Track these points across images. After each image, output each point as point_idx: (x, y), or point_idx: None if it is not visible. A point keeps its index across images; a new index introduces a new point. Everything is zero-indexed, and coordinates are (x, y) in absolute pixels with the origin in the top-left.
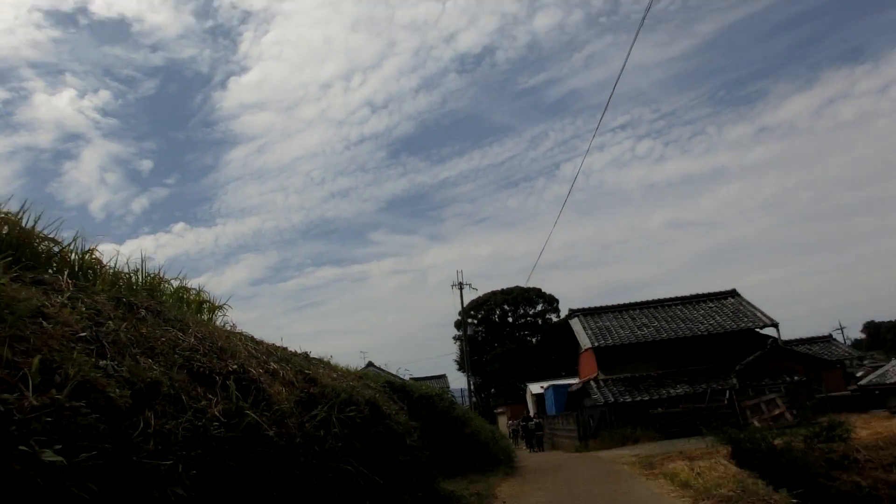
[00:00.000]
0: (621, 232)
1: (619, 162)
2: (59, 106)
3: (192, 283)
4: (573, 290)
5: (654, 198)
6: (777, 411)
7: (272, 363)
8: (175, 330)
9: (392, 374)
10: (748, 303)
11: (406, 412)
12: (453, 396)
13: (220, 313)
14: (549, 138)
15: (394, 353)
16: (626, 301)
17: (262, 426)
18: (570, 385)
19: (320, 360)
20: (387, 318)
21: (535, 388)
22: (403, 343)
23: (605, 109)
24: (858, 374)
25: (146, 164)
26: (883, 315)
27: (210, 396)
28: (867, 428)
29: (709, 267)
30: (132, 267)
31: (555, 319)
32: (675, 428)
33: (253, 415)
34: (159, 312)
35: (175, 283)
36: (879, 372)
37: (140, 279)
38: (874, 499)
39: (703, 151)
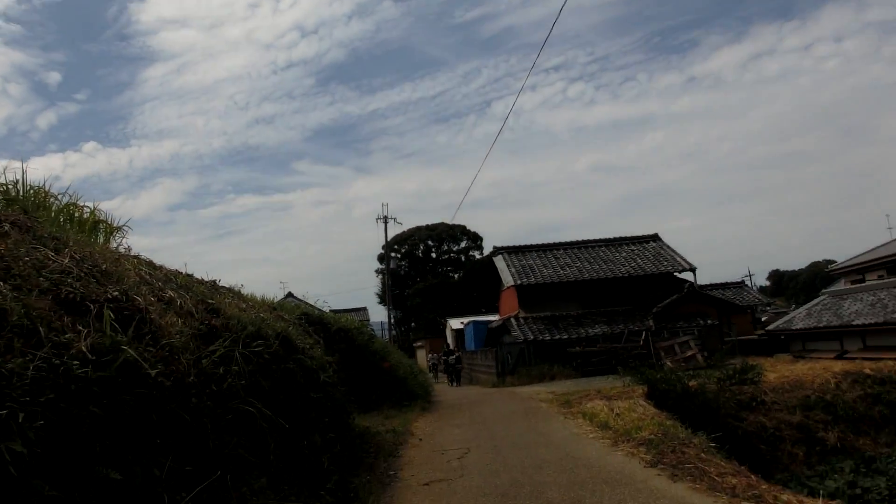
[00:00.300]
0: (548, 173)
1: (550, 103)
2: None
3: (104, 205)
4: (498, 228)
5: (583, 141)
6: (689, 353)
7: (169, 291)
8: (47, 249)
9: (311, 306)
10: (669, 247)
11: (322, 346)
12: (373, 330)
13: (119, 236)
14: (482, 75)
15: (316, 285)
16: (551, 241)
17: (141, 364)
18: (490, 322)
19: (229, 290)
20: (310, 249)
21: (455, 323)
22: (326, 275)
23: (540, 52)
24: (764, 320)
25: (54, 77)
26: (787, 265)
27: (80, 328)
28: (774, 371)
29: (631, 212)
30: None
31: (478, 257)
32: (592, 367)
33: (131, 351)
34: (29, 229)
35: (64, 200)
36: (786, 318)
37: (21, 192)
38: (778, 439)
39: (633, 98)
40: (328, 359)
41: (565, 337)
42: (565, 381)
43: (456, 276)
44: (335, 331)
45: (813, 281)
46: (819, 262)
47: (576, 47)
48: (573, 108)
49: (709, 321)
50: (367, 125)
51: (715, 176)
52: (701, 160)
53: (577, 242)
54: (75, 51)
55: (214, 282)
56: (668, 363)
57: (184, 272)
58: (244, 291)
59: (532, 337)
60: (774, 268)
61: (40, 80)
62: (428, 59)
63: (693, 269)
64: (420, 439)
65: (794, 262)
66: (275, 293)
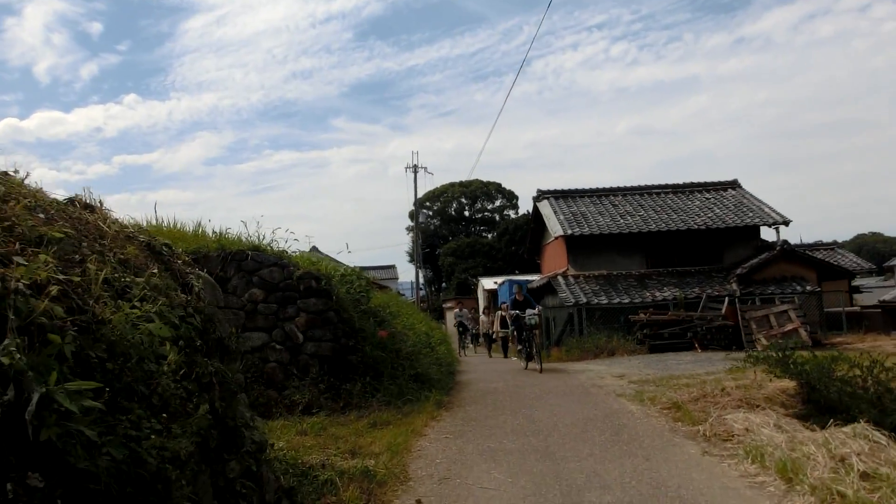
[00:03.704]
0: (587, 135)
1: (591, 63)
2: None
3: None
4: (533, 190)
5: (624, 103)
6: (790, 326)
7: None
8: None
9: (335, 260)
10: (752, 196)
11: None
12: (401, 292)
13: None
14: (523, 32)
15: (349, 242)
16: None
17: None
18: (530, 281)
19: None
20: (344, 207)
21: (488, 283)
22: (359, 233)
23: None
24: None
25: (96, 27)
26: (829, 237)
27: None
28: None
29: (669, 178)
30: None
31: (513, 216)
32: (661, 341)
33: None
34: None
35: None
36: None
37: None
38: None
39: (678, 59)
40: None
41: (626, 301)
42: (630, 360)
43: (490, 235)
44: (300, 276)
45: (858, 254)
46: (865, 234)
47: (620, 5)
48: (615, 69)
49: (808, 287)
50: (405, 82)
51: (758, 143)
52: (744, 126)
53: (639, 188)
54: (116, 0)
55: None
56: (762, 338)
57: None
58: None
59: (584, 300)
60: (817, 240)
61: (82, 29)
62: (468, 14)
63: (786, 222)
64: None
65: (837, 234)
66: (304, 248)
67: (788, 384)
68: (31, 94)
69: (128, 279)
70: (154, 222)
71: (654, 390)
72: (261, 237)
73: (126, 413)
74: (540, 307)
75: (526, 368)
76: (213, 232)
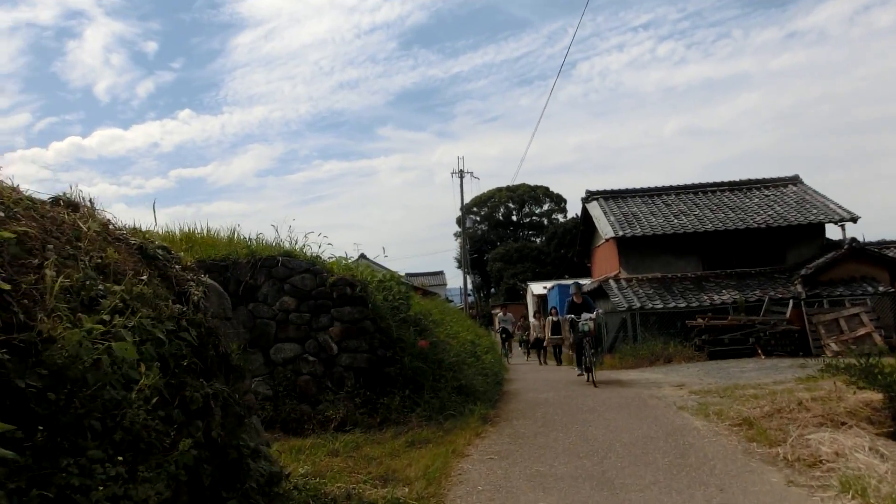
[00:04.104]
0: (634, 137)
1: (637, 63)
2: None
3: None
4: (581, 194)
5: (671, 103)
6: (862, 331)
7: None
8: None
9: (382, 267)
10: (816, 192)
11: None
12: (449, 298)
13: None
14: (568, 35)
15: (397, 250)
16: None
17: None
18: (581, 285)
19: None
20: (392, 214)
21: (538, 287)
22: (407, 240)
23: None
24: None
25: (151, 46)
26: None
27: None
28: None
29: (721, 178)
30: None
31: (562, 220)
32: (722, 346)
33: None
34: None
35: None
36: None
37: None
38: None
39: (727, 56)
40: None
41: (682, 305)
42: (688, 367)
43: (538, 240)
44: (333, 283)
45: None
46: None
47: (666, 3)
48: (662, 68)
49: (880, 288)
50: (450, 89)
51: (811, 139)
52: (797, 123)
53: (693, 186)
54: (170, 19)
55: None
56: (832, 344)
57: None
58: None
59: (638, 304)
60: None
61: (139, 49)
62: (512, 19)
63: (854, 219)
64: None
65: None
66: (352, 254)
67: (873, 396)
68: (92, 113)
69: (101, 287)
70: (201, 230)
71: (718, 402)
72: (293, 242)
73: (76, 454)
74: (599, 310)
75: (585, 379)
76: (244, 237)
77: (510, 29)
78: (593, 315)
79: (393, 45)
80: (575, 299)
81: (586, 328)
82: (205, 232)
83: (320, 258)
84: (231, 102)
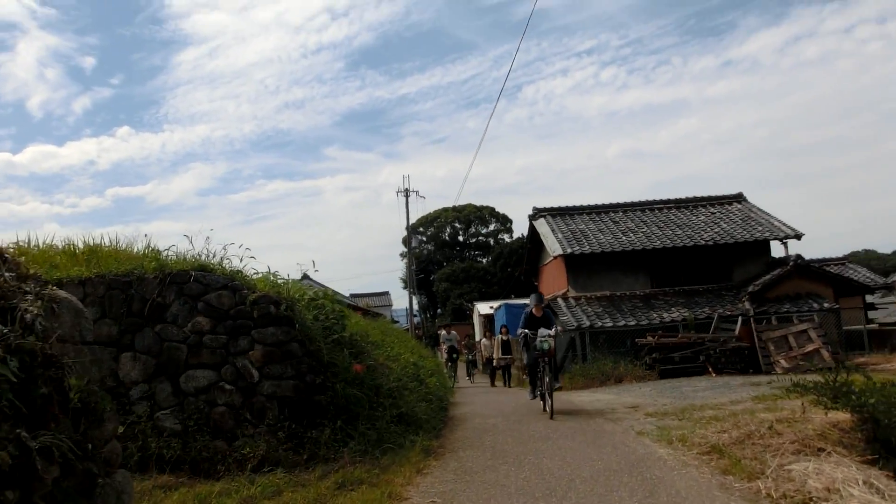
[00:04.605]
0: (578, 159)
1: (581, 88)
2: None
3: (137, 190)
4: (527, 215)
5: (614, 127)
6: (811, 347)
7: None
8: None
9: (327, 288)
10: (760, 209)
11: None
12: (395, 320)
13: None
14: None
15: (344, 270)
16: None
17: None
18: (527, 304)
19: None
20: (338, 235)
21: (484, 307)
22: (354, 261)
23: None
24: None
25: (88, 61)
26: (823, 255)
27: None
28: None
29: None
30: None
31: (508, 240)
32: (672, 365)
33: None
34: None
35: None
36: None
37: None
38: None
39: (667, 82)
40: None
41: (632, 323)
42: (640, 387)
43: (485, 260)
44: (254, 301)
45: None
46: (858, 251)
47: (609, 30)
48: (605, 93)
49: (825, 304)
50: (397, 110)
51: (749, 163)
52: (735, 147)
53: (640, 203)
54: (109, 34)
55: None
56: (782, 361)
57: None
58: None
59: (587, 323)
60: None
61: (76, 64)
62: (458, 42)
63: (798, 236)
64: None
65: (832, 252)
66: (296, 275)
67: (841, 417)
68: (24, 129)
69: None
70: (111, 244)
71: (678, 426)
72: (210, 255)
73: None
74: (559, 326)
75: (541, 408)
76: (150, 248)
77: (457, 52)
78: (552, 332)
79: (340, 65)
80: (534, 312)
81: (545, 346)
82: (114, 245)
83: (241, 273)
84: (172, 120)
